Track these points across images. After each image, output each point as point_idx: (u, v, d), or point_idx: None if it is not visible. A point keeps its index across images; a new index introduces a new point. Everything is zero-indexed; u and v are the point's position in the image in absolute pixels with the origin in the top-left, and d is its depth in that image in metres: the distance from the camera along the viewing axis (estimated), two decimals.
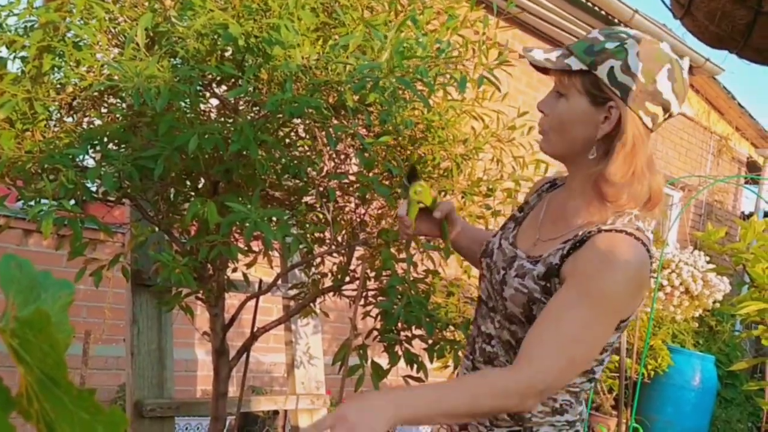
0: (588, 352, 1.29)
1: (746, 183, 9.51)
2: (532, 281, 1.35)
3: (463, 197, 2.09)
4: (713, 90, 8.24)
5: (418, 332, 1.96)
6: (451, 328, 2.02)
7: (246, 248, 1.87)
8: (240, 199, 1.61)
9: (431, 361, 2.00)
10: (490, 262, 1.47)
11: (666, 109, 1.32)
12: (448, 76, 1.93)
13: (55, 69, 1.77)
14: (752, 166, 9.44)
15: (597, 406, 5.95)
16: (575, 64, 1.31)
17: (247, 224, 1.49)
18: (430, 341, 1.97)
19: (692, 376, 6.02)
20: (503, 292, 1.39)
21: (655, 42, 1.33)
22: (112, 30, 1.79)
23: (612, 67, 1.28)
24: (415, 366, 1.96)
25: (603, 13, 5.87)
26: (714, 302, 5.45)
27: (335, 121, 1.64)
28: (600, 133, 1.31)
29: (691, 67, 6.93)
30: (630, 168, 1.30)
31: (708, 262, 5.40)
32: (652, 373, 5.89)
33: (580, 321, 1.25)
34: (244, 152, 1.69)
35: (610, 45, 1.30)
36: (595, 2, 5.75)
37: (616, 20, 5.98)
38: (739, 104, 8.47)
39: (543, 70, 1.37)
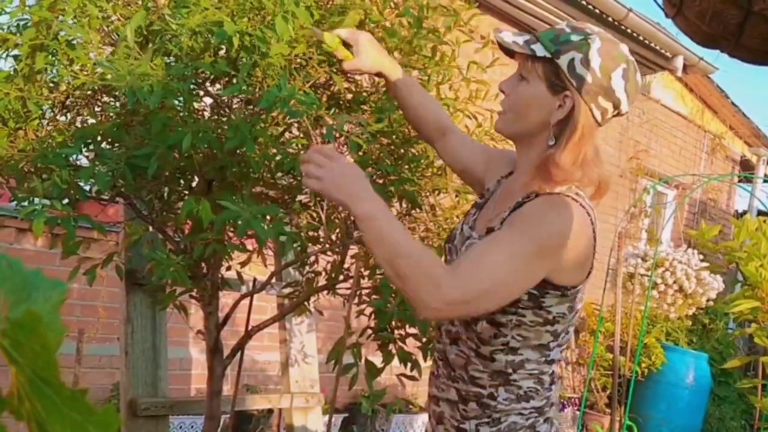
0: (510, 281, 1.29)
1: (740, 181, 9.54)
2: None
3: (457, 195, 2.10)
4: (707, 89, 8.26)
5: (412, 331, 1.97)
6: None
7: (240, 245, 1.87)
8: (234, 197, 1.61)
9: (425, 360, 2.00)
10: (451, 246, 1.54)
11: (616, 106, 1.39)
12: (442, 74, 1.93)
13: (48, 67, 1.77)
14: (746, 165, 9.47)
15: (591, 404, 5.96)
16: (540, 50, 1.38)
17: (239, 222, 1.49)
18: (423, 340, 1.97)
19: (686, 374, 6.04)
20: None
21: (615, 42, 1.41)
22: (105, 29, 1.79)
23: (573, 59, 1.36)
24: (409, 364, 1.96)
25: (597, 11, 5.88)
26: (707, 300, 5.47)
27: (329, 120, 1.64)
28: (553, 119, 1.38)
29: (685, 66, 6.94)
30: (578, 155, 1.38)
31: (701, 261, 5.42)
32: (646, 371, 5.91)
33: (507, 249, 1.30)
34: (239, 150, 1.69)
35: (575, 37, 1.37)
36: (590, 1, 5.76)
37: (610, 18, 5.98)
38: (733, 103, 8.50)
39: (510, 53, 1.45)
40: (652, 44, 6.49)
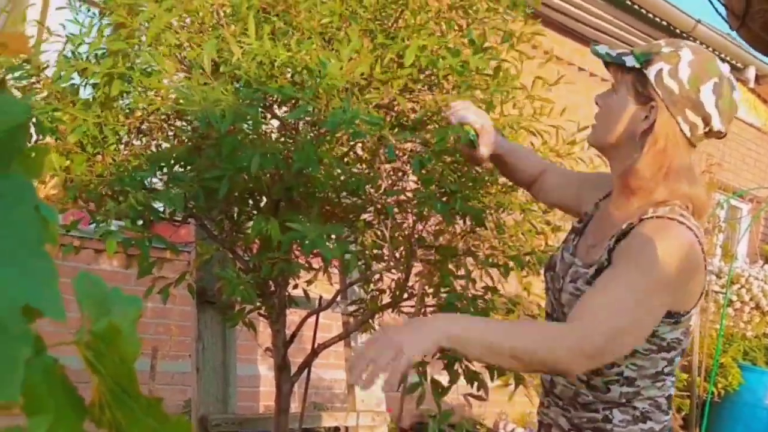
0: (635, 320, 1.25)
1: None
2: (584, 283, 1.37)
3: (522, 213, 2.08)
4: None
5: None
6: None
7: (306, 264, 1.90)
8: (300, 217, 1.64)
9: (492, 380, 1.98)
10: (553, 274, 1.50)
11: (706, 121, 1.34)
12: (504, 93, 1.93)
13: (124, 94, 1.85)
14: None
15: None
16: (630, 61, 1.36)
17: (306, 241, 1.52)
18: None
19: (764, 395, 5.81)
20: (561, 299, 1.42)
21: (712, 57, 1.37)
22: (178, 56, 1.86)
23: (661, 69, 1.33)
24: (476, 384, 1.95)
25: (664, 23, 5.78)
26: None
27: (392, 140, 1.66)
28: (639, 129, 1.35)
29: (757, 77, 6.74)
30: (660, 167, 1.34)
31: None
32: (722, 391, 5.70)
33: (627, 288, 1.25)
34: (305, 171, 1.73)
35: (666, 50, 1.35)
36: (657, 13, 5.66)
37: (678, 31, 5.87)
38: None
39: (606, 65, 1.43)
40: (722, 55, 6.32)
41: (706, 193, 1.39)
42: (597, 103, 1.45)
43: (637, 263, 1.27)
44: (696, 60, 1.33)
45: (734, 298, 5.09)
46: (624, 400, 1.36)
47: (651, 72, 1.34)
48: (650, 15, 5.65)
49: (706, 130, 1.35)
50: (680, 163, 1.35)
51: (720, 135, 1.37)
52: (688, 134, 1.34)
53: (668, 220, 1.31)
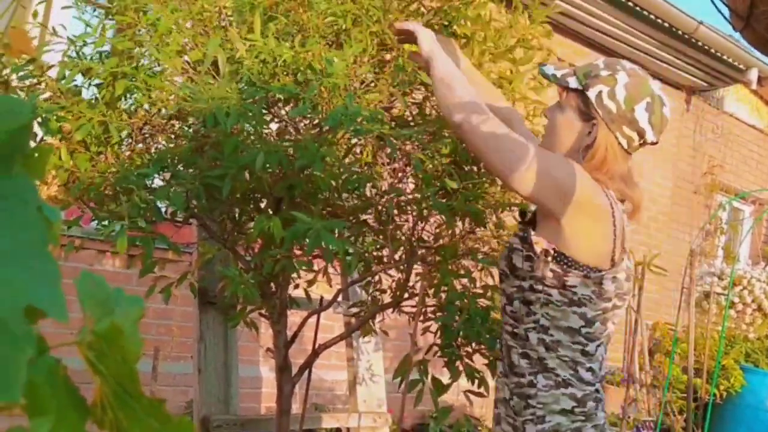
0: (518, 156, 1.43)
1: None
2: (513, 236, 1.60)
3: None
4: None
5: (478, 347, 1.96)
6: None
7: (308, 261, 1.90)
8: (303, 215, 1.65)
9: (493, 377, 1.98)
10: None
11: (641, 135, 1.55)
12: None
13: (128, 94, 1.85)
14: None
15: (667, 428, 5.78)
16: (573, 83, 1.57)
17: (309, 233, 1.52)
18: (491, 357, 1.96)
19: (766, 397, 5.80)
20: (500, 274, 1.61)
21: (644, 78, 1.57)
22: (185, 57, 1.86)
23: (600, 91, 1.53)
24: (476, 381, 1.95)
25: (666, 25, 5.77)
26: None
27: (393, 139, 1.66)
28: (582, 144, 1.55)
29: (759, 78, 6.73)
30: (597, 175, 1.52)
31: None
32: (724, 393, 5.70)
33: (539, 151, 1.47)
34: (306, 170, 1.73)
35: (604, 72, 1.55)
36: (659, 15, 5.65)
37: (680, 32, 5.86)
38: None
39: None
40: (725, 57, 6.31)
41: (641, 197, 1.59)
42: (546, 116, 1.64)
43: (559, 161, 1.49)
44: (631, 82, 1.53)
45: (736, 299, 5.09)
46: (542, 348, 1.51)
47: (592, 93, 1.53)
48: (652, 17, 5.64)
49: (641, 141, 1.56)
50: (617, 169, 1.55)
51: (653, 144, 1.58)
52: (626, 146, 1.55)
53: (596, 184, 1.51)
